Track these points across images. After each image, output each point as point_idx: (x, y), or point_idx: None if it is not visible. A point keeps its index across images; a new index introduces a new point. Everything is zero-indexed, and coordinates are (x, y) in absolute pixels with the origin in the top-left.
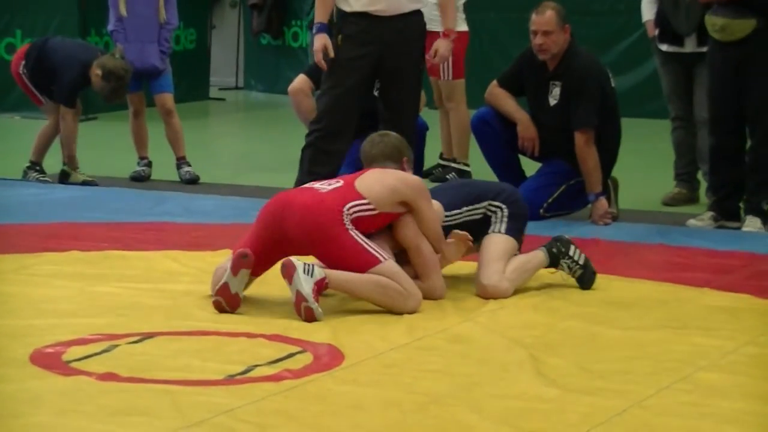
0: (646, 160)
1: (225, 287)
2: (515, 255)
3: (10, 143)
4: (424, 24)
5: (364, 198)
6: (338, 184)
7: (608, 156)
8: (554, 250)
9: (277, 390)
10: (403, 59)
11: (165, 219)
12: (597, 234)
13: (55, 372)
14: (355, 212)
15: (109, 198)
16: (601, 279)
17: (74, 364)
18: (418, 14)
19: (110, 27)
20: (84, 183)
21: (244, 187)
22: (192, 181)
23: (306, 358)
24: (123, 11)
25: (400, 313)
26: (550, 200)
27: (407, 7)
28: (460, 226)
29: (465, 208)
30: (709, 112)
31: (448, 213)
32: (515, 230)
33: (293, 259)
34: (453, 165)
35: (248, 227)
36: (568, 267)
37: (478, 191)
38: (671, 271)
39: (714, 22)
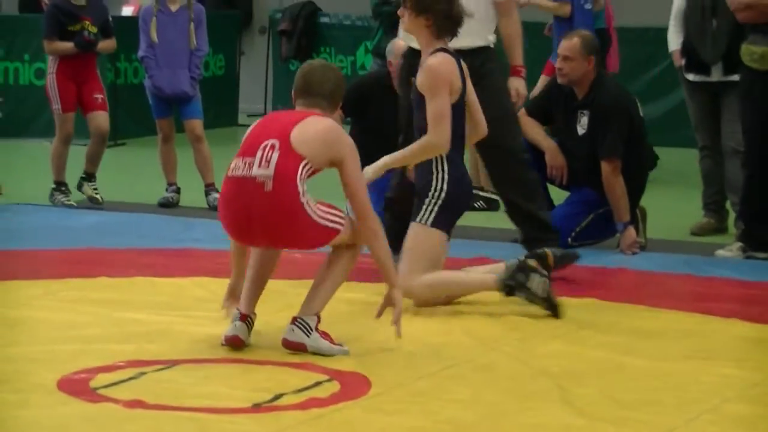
0: (674, 189)
1: (236, 338)
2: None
3: (38, 168)
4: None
5: (303, 159)
6: (275, 156)
7: (636, 185)
8: (510, 282)
9: (305, 418)
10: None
11: (193, 245)
12: (625, 263)
13: (82, 398)
14: (303, 181)
15: (137, 224)
16: (628, 309)
17: (101, 391)
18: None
19: (141, 53)
20: (90, 199)
21: None
22: None
23: (333, 387)
24: (154, 37)
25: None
26: (578, 229)
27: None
28: None
29: None
30: (744, 143)
31: None
32: (443, 222)
33: (289, 336)
34: (481, 194)
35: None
36: (526, 299)
37: None
38: (699, 302)
39: (753, 50)
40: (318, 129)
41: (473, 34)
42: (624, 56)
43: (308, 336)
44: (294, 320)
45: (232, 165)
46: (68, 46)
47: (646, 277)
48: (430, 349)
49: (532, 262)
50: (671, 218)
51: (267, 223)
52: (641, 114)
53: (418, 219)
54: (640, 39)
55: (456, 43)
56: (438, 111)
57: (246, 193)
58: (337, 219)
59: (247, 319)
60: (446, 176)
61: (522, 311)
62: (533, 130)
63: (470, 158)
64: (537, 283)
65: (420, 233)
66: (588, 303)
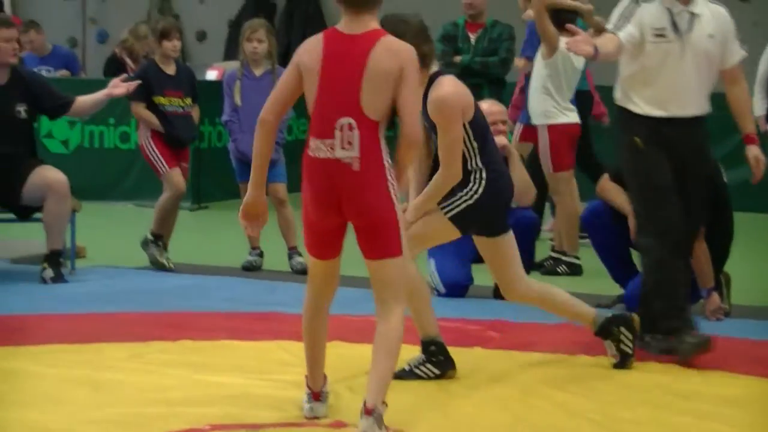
0: (758, 255)
1: (314, 419)
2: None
3: (121, 231)
4: None
5: (379, 123)
6: (355, 135)
7: (720, 250)
8: (613, 328)
9: None
10: None
11: (277, 309)
12: (709, 329)
13: None
14: (385, 150)
15: (220, 287)
16: (712, 375)
17: None
18: None
19: (225, 117)
20: (161, 264)
21: (354, 278)
22: (303, 272)
23: None
24: (238, 101)
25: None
26: None
27: None
28: None
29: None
30: None
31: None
32: (462, 222)
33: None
34: (564, 258)
35: (358, 318)
36: (610, 348)
37: None
38: None
39: None
40: (385, 78)
41: (696, 103)
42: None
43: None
44: (369, 412)
45: (312, 145)
46: (154, 122)
47: (730, 343)
48: (512, 415)
49: (636, 319)
50: (756, 283)
51: (356, 200)
52: (725, 180)
53: (441, 206)
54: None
55: (679, 111)
56: (449, 144)
57: (333, 174)
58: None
59: (320, 396)
60: (484, 183)
61: (600, 374)
62: (617, 195)
63: (555, 224)
64: (628, 339)
65: (435, 220)
66: (672, 368)
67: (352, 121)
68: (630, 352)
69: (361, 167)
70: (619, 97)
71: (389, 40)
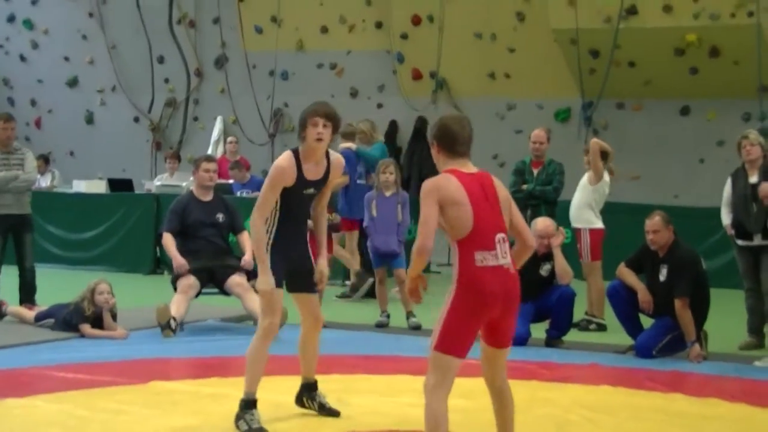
0: (728, 318)
1: None
2: None
3: None
4: None
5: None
6: (506, 247)
7: (701, 315)
8: None
9: None
10: None
11: (399, 353)
12: (693, 369)
13: None
14: None
15: (361, 339)
16: (696, 400)
17: None
18: None
19: (365, 223)
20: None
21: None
22: (417, 328)
23: None
24: (374, 213)
25: None
26: (660, 345)
27: None
28: None
29: None
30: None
31: None
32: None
33: None
34: (594, 320)
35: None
36: None
37: None
38: (744, 396)
39: None
40: (506, 204)
41: None
42: (696, 228)
43: None
44: None
45: (478, 257)
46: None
47: (707, 378)
48: (555, 426)
49: None
50: (725, 338)
51: (516, 298)
52: (704, 267)
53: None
54: (705, 214)
55: None
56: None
57: (504, 280)
58: None
59: None
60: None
61: (617, 399)
62: (629, 277)
63: (586, 290)
64: None
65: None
66: (671, 396)
67: (504, 235)
68: None
69: (513, 270)
70: None
71: (494, 178)
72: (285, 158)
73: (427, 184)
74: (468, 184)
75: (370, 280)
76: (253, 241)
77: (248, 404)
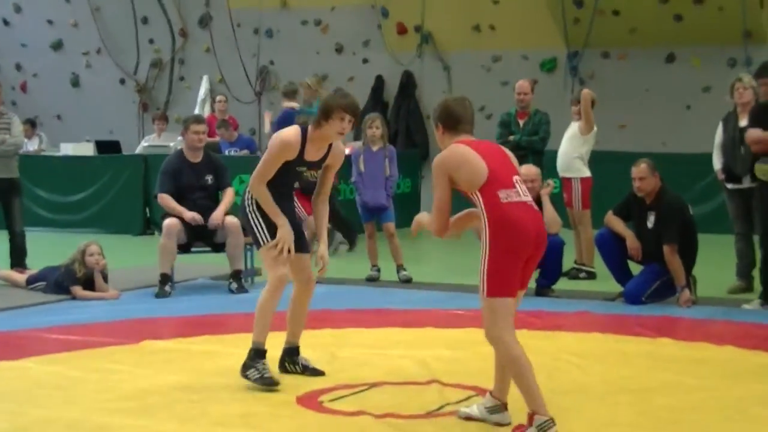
0: (715, 263)
1: None
2: None
3: None
4: None
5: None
6: (525, 188)
7: (689, 261)
8: None
9: (462, 422)
10: None
11: (389, 306)
12: (682, 313)
13: (314, 410)
14: None
15: (352, 293)
16: (685, 344)
17: (327, 404)
18: None
19: (353, 179)
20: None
21: (442, 284)
22: (407, 281)
23: (479, 399)
24: (362, 168)
25: None
26: (649, 291)
27: None
28: None
29: None
30: (761, 230)
31: None
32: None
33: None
34: (583, 268)
35: (442, 313)
36: None
37: None
38: (732, 338)
39: (763, 168)
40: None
41: None
42: (682, 176)
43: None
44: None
45: (502, 195)
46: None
47: (696, 322)
48: (546, 374)
49: None
50: (714, 283)
51: (545, 238)
52: (692, 212)
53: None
54: (694, 160)
55: None
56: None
57: (534, 216)
58: None
59: (505, 406)
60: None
61: (607, 345)
62: (617, 225)
63: (575, 238)
64: None
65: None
66: (656, 340)
67: (519, 177)
68: None
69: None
70: None
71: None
72: (293, 134)
73: (436, 162)
74: (475, 145)
75: (338, 235)
76: (262, 203)
77: (258, 353)
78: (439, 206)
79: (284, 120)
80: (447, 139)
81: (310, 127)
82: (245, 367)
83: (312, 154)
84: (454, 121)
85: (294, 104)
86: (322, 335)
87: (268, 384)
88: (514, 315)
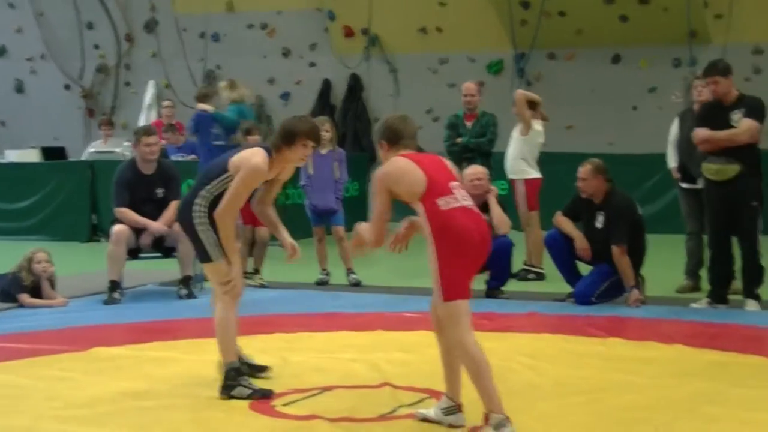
0: (664, 263)
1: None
2: None
3: None
4: None
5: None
6: (465, 193)
7: (638, 261)
8: None
9: (416, 424)
10: None
11: (339, 310)
12: (632, 313)
13: (268, 415)
14: None
15: (302, 297)
16: (634, 344)
17: (279, 408)
18: None
19: (302, 182)
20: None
21: (393, 288)
22: (357, 284)
23: (433, 402)
24: (311, 170)
25: None
26: (598, 291)
27: None
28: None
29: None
30: (708, 231)
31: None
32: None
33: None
34: (532, 269)
35: (392, 316)
36: None
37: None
38: (680, 337)
39: (710, 167)
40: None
41: None
42: (630, 176)
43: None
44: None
45: (441, 202)
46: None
47: (646, 322)
48: (495, 375)
49: None
50: (662, 282)
51: (488, 242)
52: (640, 212)
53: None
54: (642, 160)
55: None
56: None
57: (475, 219)
58: None
59: (460, 407)
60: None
61: (557, 345)
62: (566, 225)
63: (525, 238)
64: None
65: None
66: (610, 341)
67: (457, 183)
68: None
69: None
70: None
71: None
72: (263, 160)
73: (377, 175)
74: (414, 156)
75: None
76: (223, 237)
77: (237, 371)
78: (378, 215)
79: (198, 122)
80: (391, 155)
81: (271, 151)
82: (228, 389)
83: (270, 174)
84: (397, 136)
85: (207, 107)
86: (273, 340)
87: (267, 396)
88: (470, 315)
